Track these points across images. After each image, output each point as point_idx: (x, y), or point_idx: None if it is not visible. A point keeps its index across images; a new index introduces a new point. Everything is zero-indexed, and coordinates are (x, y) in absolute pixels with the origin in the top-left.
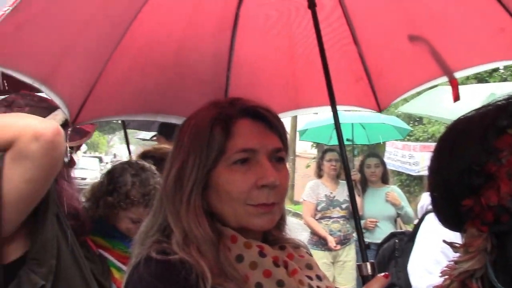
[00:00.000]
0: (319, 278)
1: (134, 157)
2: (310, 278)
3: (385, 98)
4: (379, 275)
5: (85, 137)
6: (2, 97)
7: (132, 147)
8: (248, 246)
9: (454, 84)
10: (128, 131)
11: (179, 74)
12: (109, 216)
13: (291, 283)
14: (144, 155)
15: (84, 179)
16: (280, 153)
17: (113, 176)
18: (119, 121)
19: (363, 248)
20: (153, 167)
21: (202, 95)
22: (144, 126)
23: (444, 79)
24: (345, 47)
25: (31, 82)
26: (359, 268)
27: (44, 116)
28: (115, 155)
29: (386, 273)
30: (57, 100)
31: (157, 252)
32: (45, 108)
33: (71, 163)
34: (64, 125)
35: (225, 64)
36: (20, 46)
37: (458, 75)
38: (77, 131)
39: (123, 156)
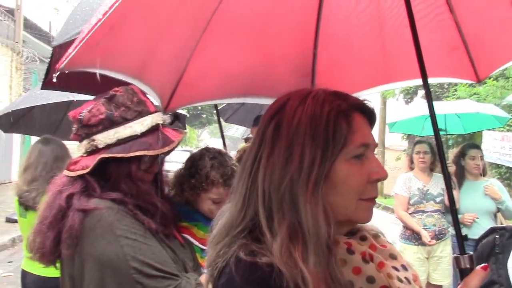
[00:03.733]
0: (404, 268)
1: (234, 153)
2: (396, 269)
3: (485, 68)
4: (477, 267)
5: (167, 146)
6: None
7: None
8: (336, 243)
9: None
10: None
11: (266, 54)
12: (192, 199)
13: (380, 278)
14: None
15: None
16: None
17: (193, 160)
18: (210, 116)
19: (460, 240)
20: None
21: (289, 73)
22: (241, 121)
23: None
24: (439, 16)
25: (123, 79)
26: (456, 261)
27: (132, 119)
28: None
29: (485, 264)
30: (149, 91)
31: (245, 254)
32: (137, 112)
33: (151, 169)
34: (152, 130)
35: (312, 41)
36: (112, 48)
37: None
38: (160, 138)
39: None
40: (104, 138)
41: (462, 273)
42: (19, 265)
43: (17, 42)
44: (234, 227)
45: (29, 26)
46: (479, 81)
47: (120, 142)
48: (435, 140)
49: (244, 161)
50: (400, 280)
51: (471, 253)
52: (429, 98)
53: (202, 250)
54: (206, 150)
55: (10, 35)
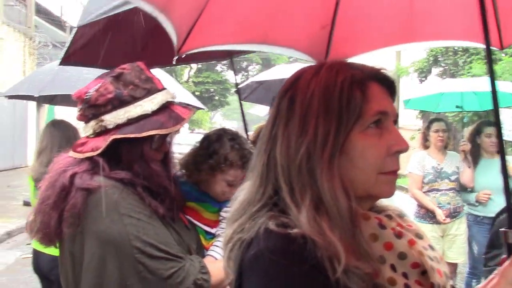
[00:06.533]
0: (431, 248)
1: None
2: (424, 248)
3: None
4: None
5: (179, 124)
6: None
7: (235, 123)
8: (367, 217)
9: None
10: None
11: (286, 1)
12: (205, 180)
13: (412, 254)
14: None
15: None
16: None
17: (211, 141)
18: (223, 98)
19: (510, 213)
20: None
21: (309, 23)
22: (260, 99)
23: None
24: None
25: (151, 11)
26: (505, 235)
27: (141, 97)
28: None
29: None
30: (169, 29)
31: (276, 225)
32: (145, 89)
33: (162, 148)
34: (162, 107)
35: None
36: None
37: None
38: (172, 116)
39: None
40: (113, 118)
41: (510, 248)
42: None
43: (29, 27)
44: (253, 204)
45: (41, 11)
46: (502, 49)
47: (131, 121)
48: (494, 118)
49: (261, 137)
50: (430, 259)
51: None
52: (490, 66)
53: (207, 232)
54: (224, 131)
55: (22, 21)
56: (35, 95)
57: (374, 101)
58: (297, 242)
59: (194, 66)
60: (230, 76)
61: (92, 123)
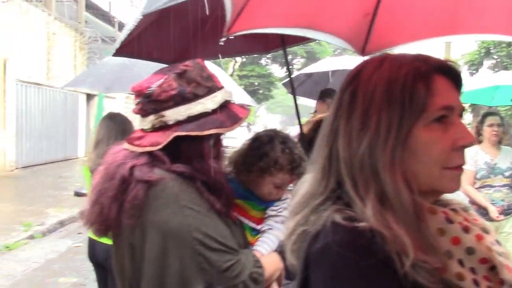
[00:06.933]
0: (498, 243)
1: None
2: (492, 243)
3: None
4: None
5: (236, 124)
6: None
7: (279, 117)
8: (433, 212)
9: None
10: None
11: None
12: (253, 180)
13: (480, 249)
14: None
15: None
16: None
17: (262, 142)
18: (267, 91)
19: None
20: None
21: (352, 10)
22: (308, 93)
23: None
24: None
25: None
26: None
27: (203, 95)
28: (265, 127)
29: None
30: (227, 3)
31: (343, 219)
32: (207, 88)
33: (217, 145)
34: (221, 106)
35: None
36: None
37: None
38: (230, 116)
39: (269, 126)
40: (174, 114)
41: None
42: (87, 236)
43: (79, 23)
44: (316, 197)
45: (90, 7)
46: None
47: (191, 119)
48: None
49: (322, 130)
50: (499, 254)
51: None
52: None
53: (252, 228)
54: (275, 132)
55: (73, 16)
56: (103, 92)
57: (439, 95)
58: (365, 236)
59: (239, 59)
60: (274, 69)
61: (152, 117)
